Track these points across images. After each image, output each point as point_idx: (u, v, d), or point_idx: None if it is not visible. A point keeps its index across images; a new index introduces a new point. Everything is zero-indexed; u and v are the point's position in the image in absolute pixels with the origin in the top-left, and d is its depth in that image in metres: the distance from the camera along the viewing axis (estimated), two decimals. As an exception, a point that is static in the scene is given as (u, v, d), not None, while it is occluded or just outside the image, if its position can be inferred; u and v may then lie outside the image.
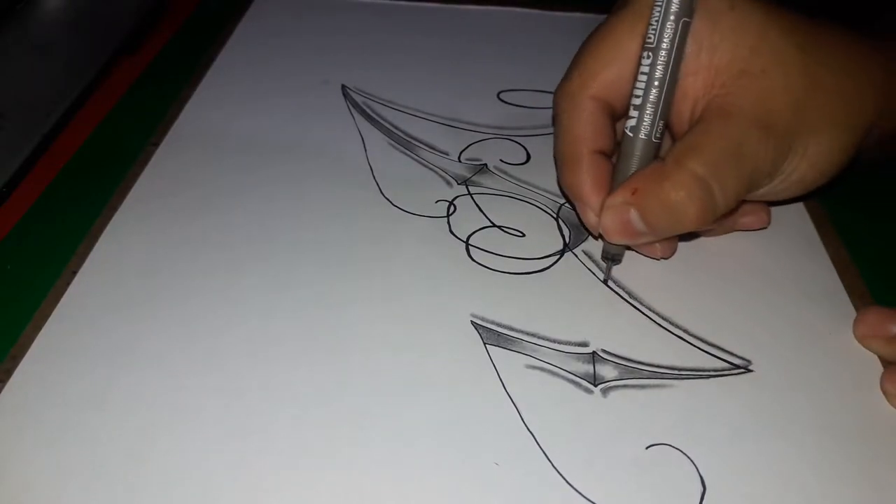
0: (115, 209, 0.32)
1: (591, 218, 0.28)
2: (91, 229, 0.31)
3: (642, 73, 0.26)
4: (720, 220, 0.27)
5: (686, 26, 0.25)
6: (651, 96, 0.26)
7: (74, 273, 0.29)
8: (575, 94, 0.28)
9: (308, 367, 0.26)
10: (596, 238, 0.30)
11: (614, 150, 0.29)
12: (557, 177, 0.29)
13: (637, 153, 0.27)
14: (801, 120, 0.26)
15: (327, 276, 0.29)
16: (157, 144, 0.35)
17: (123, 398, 0.25)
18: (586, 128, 0.28)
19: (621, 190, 0.26)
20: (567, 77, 0.28)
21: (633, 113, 0.27)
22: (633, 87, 0.27)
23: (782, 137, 0.25)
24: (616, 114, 0.28)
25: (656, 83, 0.26)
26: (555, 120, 0.29)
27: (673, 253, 0.30)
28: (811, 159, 0.26)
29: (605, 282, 0.29)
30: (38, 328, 0.27)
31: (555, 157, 0.29)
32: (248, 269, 0.29)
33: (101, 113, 0.38)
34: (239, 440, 0.24)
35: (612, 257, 0.29)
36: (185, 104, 0.38)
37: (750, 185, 0.26)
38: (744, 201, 0.28)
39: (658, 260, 0.30)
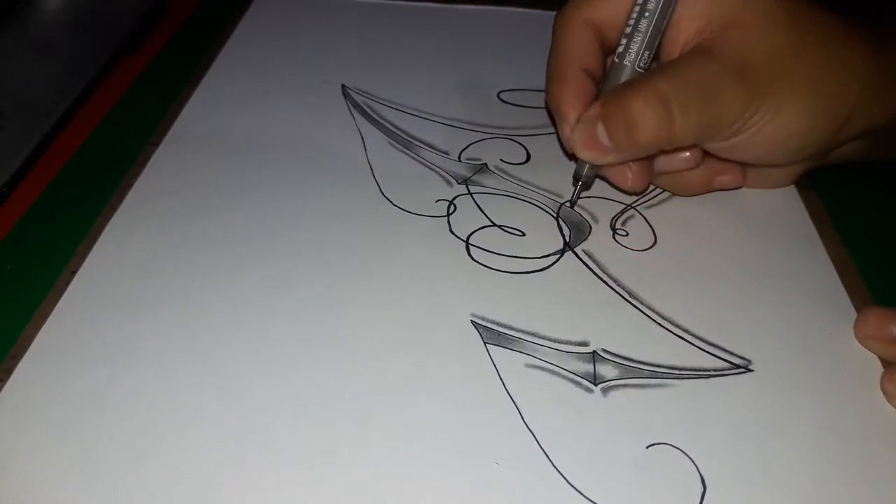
0: (114, 209, 0.32)
1: (565, 131, 0.29)
2: (91, 229, 0.31)
3: (637, 4, 0.28)
4: (685, 159, 0.29)
5: None
6: (641, 25, 0.28)
7: (74, 273, 0.29)
8: (570, 16, 0.30)
9: (308, 367, 0.26)
10: (570, 159, 0.32)
11: (602, 77, 0.30)
12: (545, 95, 0.31)
13: (622, 79, 0.28)
14: (780, 79, 0.27)
15: (327, 276, 0.29)
16: (156, 144, 0.35)
17: (123, 398, 0.25)
18: (576, 46, 0.29)
19: (595, 105, 0.28)
20: (568, 2, 0.30)
21: (623, 41, 0.28)
22: (627, 18, 0.28)
23: (756, 89, 0.26)
24: (609, 46, 0.30)
25: (646, 14, 0.28)
26: (552, 41, 0.31)
27: (643, 187, 0.31)
28: (784, 120, 0.27)
29: (571, 204, 0.31)
30: (38, 328, 0.27)
31: (546, 75, 0.30)
32: (248, 269, 0.29)
33: (101, 113, 0.38)
34: (239, 439, 0.24)
35: (581, 178, 0.30)
36: (185, 104, 0.38)
37: (713, 123, 0.27)
38: (718, 159, 0.30)
39: (629, 193, 0.31)
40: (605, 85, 0.29)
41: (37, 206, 0.33)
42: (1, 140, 0.33)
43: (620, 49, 0.29)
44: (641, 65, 0.28)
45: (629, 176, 0.30)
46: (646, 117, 0.26)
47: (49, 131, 0.35)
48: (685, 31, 0.28)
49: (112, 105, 0.39)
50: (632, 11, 0.28)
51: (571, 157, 0.31)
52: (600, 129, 0.27)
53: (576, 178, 0.30)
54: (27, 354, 0.26)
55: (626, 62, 0.28)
